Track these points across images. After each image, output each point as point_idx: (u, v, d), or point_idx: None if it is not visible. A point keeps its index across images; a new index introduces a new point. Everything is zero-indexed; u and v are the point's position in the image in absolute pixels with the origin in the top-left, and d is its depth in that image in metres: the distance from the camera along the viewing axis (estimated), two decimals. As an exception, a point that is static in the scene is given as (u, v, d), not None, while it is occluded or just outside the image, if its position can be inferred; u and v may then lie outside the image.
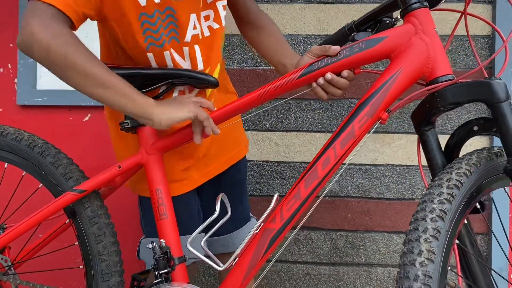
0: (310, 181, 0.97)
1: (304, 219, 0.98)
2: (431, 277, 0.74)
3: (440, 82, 0.95)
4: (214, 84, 1.08)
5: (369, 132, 0.99)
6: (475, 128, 0.99)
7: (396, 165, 1.79)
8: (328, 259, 1.80)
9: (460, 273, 0.90)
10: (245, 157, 1.32)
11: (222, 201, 1.00)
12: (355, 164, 1.80)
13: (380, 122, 0.98)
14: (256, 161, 1.84)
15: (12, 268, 1.13)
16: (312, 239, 1.81)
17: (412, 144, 1.79)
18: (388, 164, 1.79)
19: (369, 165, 1.80)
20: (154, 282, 0.96)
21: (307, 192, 0.97)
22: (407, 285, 0.74)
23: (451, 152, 1.04)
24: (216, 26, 1.13)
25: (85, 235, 1.06)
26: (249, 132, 1.84)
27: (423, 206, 0.83)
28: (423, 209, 0.82)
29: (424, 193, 0.86)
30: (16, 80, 2.00)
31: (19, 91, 1.98)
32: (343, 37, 1.11)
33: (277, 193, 1.00)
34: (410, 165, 1.78)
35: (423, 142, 1.02)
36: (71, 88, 1.92)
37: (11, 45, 2.01)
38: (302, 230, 1.82)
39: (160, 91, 1.12)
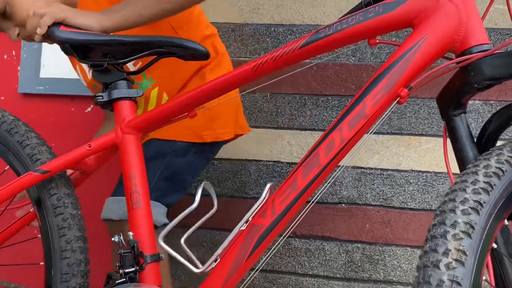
0: (309, 169, 0.80)
1: (294, 225, 0.82)
2: (460, 284, 0.55)
3: (474, 53, 0.78)
4: (205, 55, 0.93)
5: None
6: (517, 112, 0.81)
7: (423, 172, 1.63)
8: (342, 273, 1.65)
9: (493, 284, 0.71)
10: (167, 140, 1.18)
11: (205, 191, 0.85)
12: (376, 169, 1.65)
13: (398, 102, 0.81)
14: (266, 161, 1.71)
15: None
16: (325, 250, 1.66)
17: (441, 148, 1.60)
18: (414, 170, 1.63)
19: (391, 170, 1.64)
20: (116, 282, 0.81)
21: (305, 183, 0.80)
22: None
23: (485, 144, 0.86)
24: None
25: (48, 226, 0.93)
26: (259, 129, 1.71)
27: (452, 195, 0.64)
28: (452, 199, 0.63)
29: (454, 183, 0.68)
30: (19, 68, 1.92)
31: (21, 78, 1.91)
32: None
33: (270, 183, 0.84)
34: (438, 172, 1.61)
35: (451, 129, 0.84)
36: (75, 77, 1.84)
37: (16, 31, 1.95)
38: (314, 239, 1.67)
39: (142, 65, 1.02)
